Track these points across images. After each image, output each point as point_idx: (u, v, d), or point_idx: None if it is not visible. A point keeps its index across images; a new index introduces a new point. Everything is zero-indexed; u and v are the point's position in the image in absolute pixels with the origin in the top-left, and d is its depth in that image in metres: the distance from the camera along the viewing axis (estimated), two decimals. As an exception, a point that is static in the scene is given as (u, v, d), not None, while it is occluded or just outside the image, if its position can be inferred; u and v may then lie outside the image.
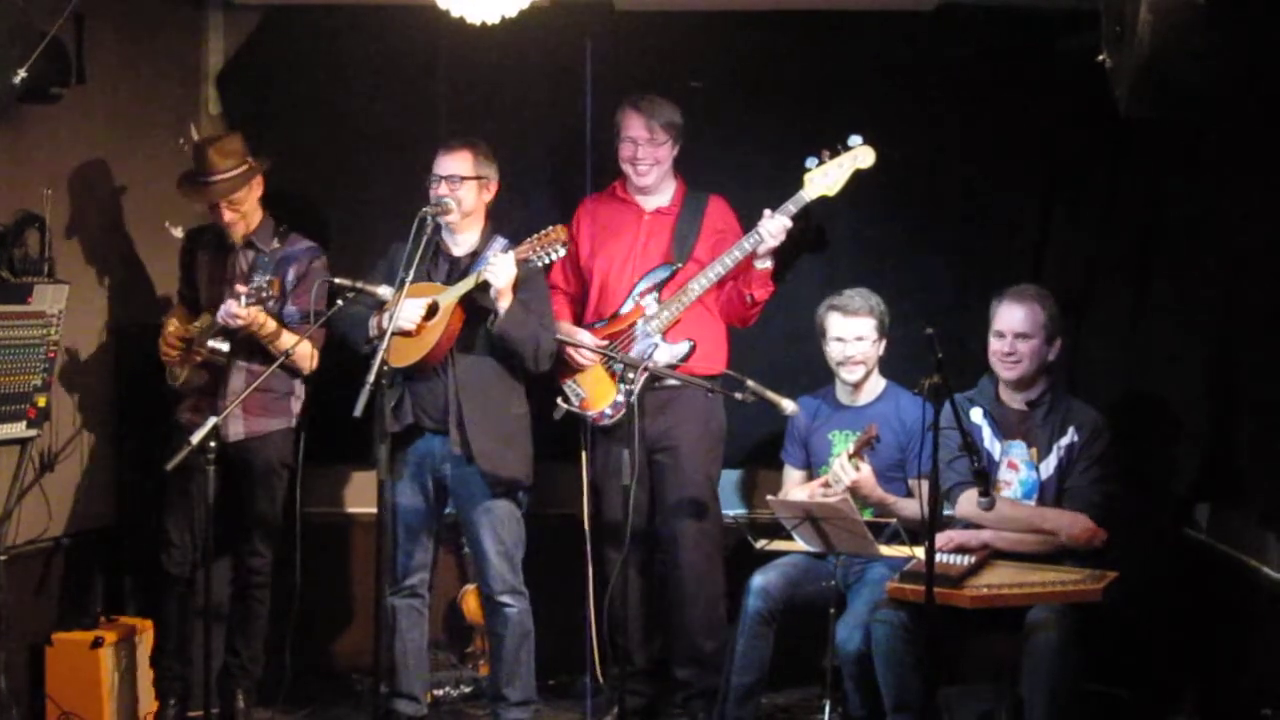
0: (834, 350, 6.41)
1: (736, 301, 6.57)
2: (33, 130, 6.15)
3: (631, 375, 5.94)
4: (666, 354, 6.41)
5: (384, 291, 6.08)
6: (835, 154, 6.37)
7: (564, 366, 6.53)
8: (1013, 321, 6.02)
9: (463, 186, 6.25)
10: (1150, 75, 4.92)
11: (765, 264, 6.45)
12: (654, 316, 6.47)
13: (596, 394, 6.40)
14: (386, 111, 7.14)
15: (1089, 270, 6.77)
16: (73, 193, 6.40)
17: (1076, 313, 6.57)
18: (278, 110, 7.15)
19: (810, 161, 6.37)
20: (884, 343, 6.41)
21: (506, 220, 6.45)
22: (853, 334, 6.35)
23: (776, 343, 6.87)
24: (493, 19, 5.76)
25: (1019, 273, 6.58)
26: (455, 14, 5.74)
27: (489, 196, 6.36)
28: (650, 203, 6.67)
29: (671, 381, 6.36)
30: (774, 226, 6.35)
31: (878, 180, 6.44)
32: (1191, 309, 6.49)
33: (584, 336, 6.49)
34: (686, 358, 6.41)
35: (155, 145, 6.57)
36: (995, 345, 6.07)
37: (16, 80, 5.68)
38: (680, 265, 6.52)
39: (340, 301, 6.07)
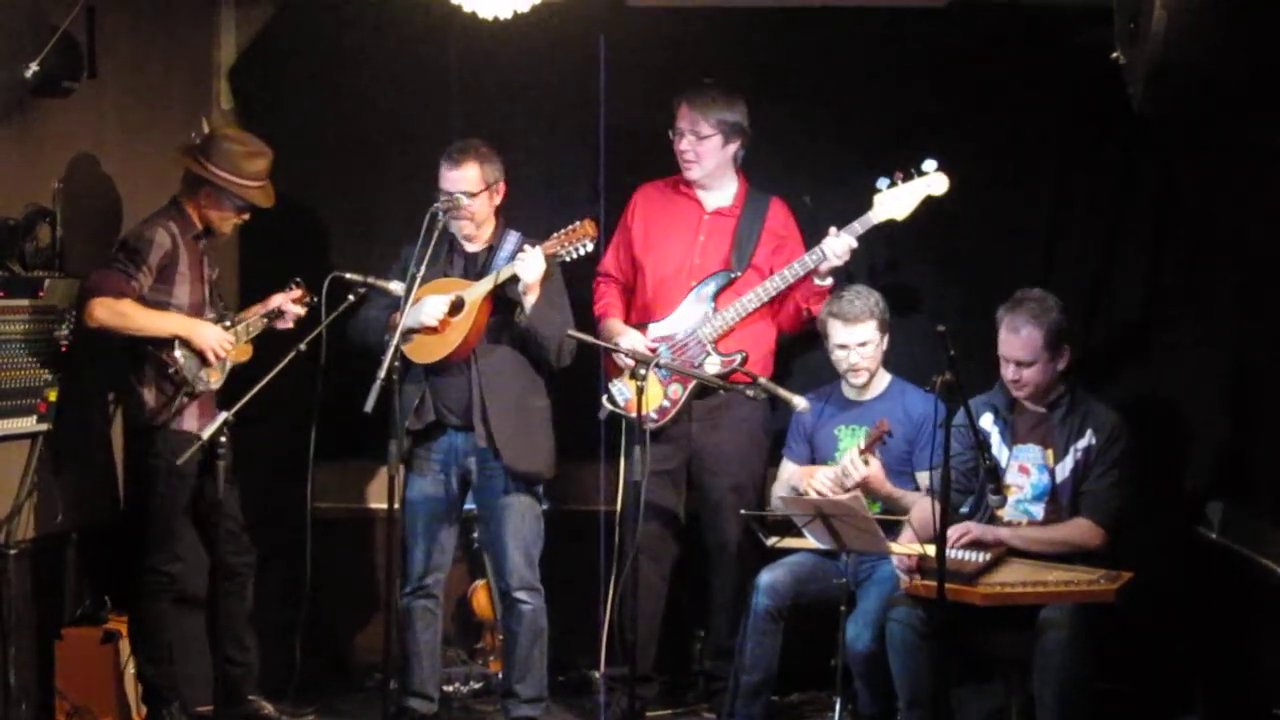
0: (839, 357, 6.38)
1: (792, 313, 6.56)
2: (44, 124, 6.15)
3: (643, 371, 5.92)
4: (718, 363, 6.40)
5: (395, 287, 6.09)
6: (908, 177, 6.32)
7: (612, 364, 6.54)
8: (1012, 350, 5.96)
9: (475, 201, 6.26)
10: (1164, 72, 4.91)
11: (826, 281, 6.43)
12: (707, 323, 6.45)
13: (642, 397, 6.36)
14: (398, 106, 7.14)
15: (1101, 267, 6.74)
16: (84, 187, 6.39)
17: (1088, 310, 6.55)
18: (289, 105, 7.14)
19: (882, 182, 6.33)
20: (886, 338, 6.39)
21: (519, 217, 6.45)
22: (855, 340, 6.32)
23: (786, 339, 6.83)
24: (505, 14, 5.75)
25: (1030, 271, 6.56)
26: (468, 9, 5.73)
27: (499, 199, 6.36)
28: (711, 201, 6.63)
29: (720, 388, 6.32)
30: (839, 247, 6.32)
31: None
32: (1204, 306, 6.49)
33: (633, 337, 6.47)
34: (738, 368, 6.39)
35: (167, 139, 6.56)
36: (1003, 369, 6.03)
37: (28, 74, 5.68)
38: (738, 273, 6.50)
39: (351, 297, 6.08)
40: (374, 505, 7.21)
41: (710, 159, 6.52)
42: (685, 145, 6.50)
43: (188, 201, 6.33)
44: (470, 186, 6.24)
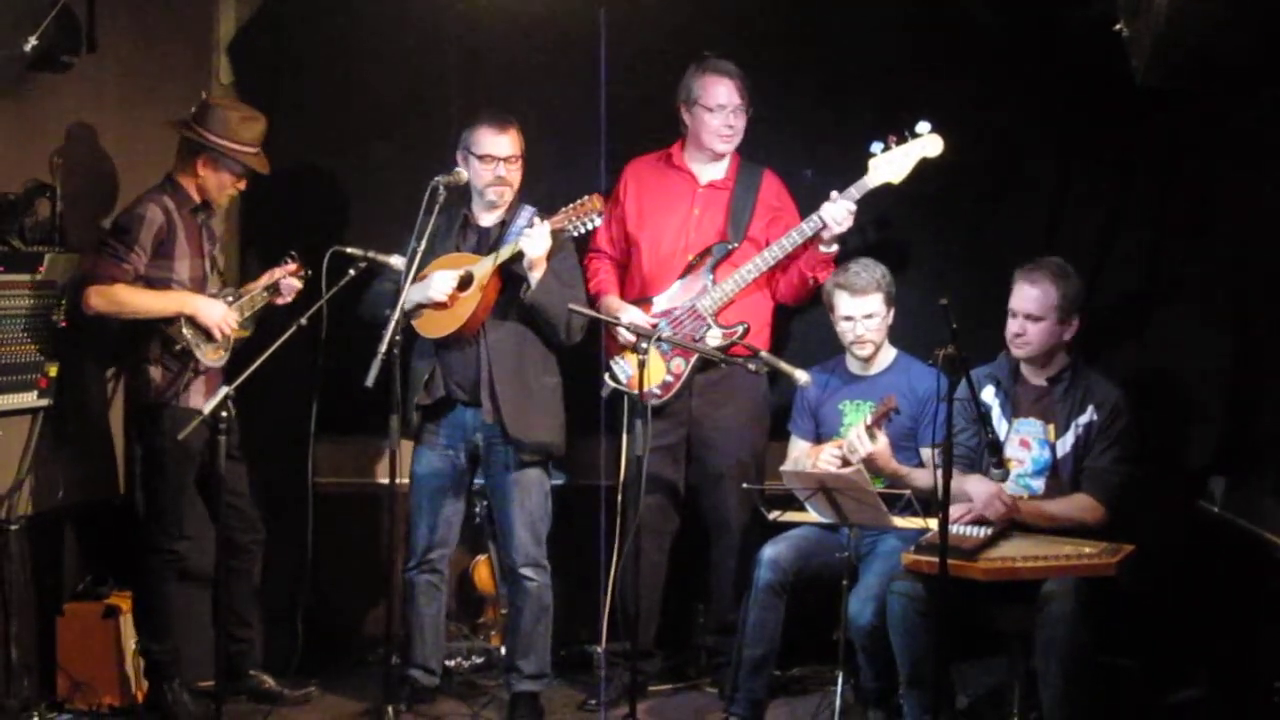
0: (844, 329, 6.36)
1: (797, 283, 6.54)
2: (43, 99, 6.13)
3: (645, 345, 5.91)
4: (719, 335, 6.38)
5: (396, 261, 6.09)
6: (902, 140, 6.30)
7: (612, 341, 6.53)
8: (1024, 302, 5.96)
9: (514, 167, 6.27)
10: (1167, 44, 4.90)
11: (830, 248, 6.41)
12: (706, 296, 6.44)
13: (644, 372, 6.30)
14: (398, 81, 7.11)
15: (1104, 242, 6.72)
16: (83, 162, 6.38)
17: (1090, 283, 6.53)
18: (289, 79, 7.12)
19: (875, 146, 6.32)
20: (892, 312, 6.37)
21: (520, 192, 6.42)
22: (862, 312, 6.30)
23: (784, 314, 6.82)
24: (504, -13, 5.75)
25: (1033, 245, 6.53)
26: (468, -18, 5.73)
27: None
28: (705, 174, 6.62)
29: (720, 361, 6.32)
30: (838, 213, 6.30)
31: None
32: (1207, 281, 6.47)
33: (632, 313, 6.46)
34: (739, 340, 6.38)
35: (167, 114, 6.52)
36: (1009, 324, 6.01)
37: (27, 48, 5.67)
38: (736, 245, 6.49)
39: (352, 271, 6.07)
40: (375, 480, 7.21)
41: (743, 130, 6.53)
42: (733, 120, 6.49)
43: (183, 175, 6.32)
44: (518, 151, 6.27)
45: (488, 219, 6.36)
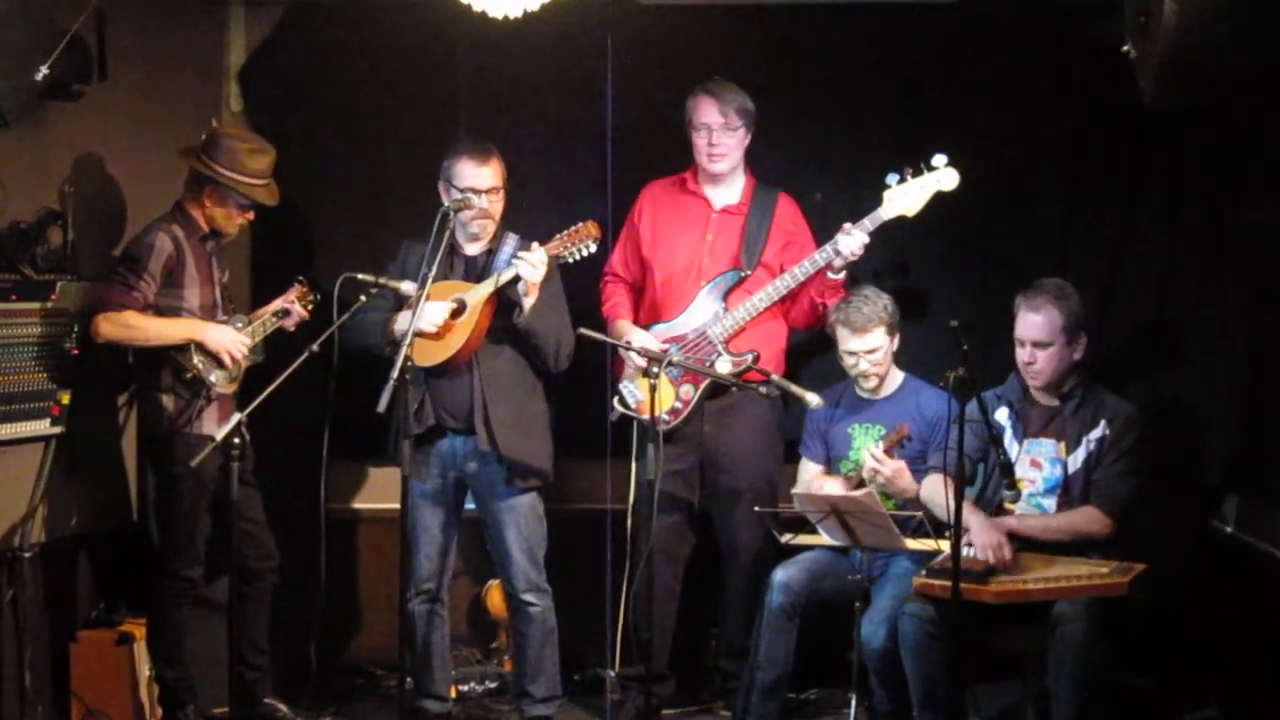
0: (848, 363, 6.36)
1: (808, 309, 6.54)
2: (55, 127, 6.14)
3: (655, 370, 5.89)
4: (728, 363, 6.38)
5: (407, 287, 6.04)
6: (918, 173, 6.29)
7: (621, 365, 6.54)
8: (1030, 329, 5.93)
9: (496, 198, 6.25)
10: (1175, 66, 4.90)
11: (839, 275, 6.41)
12: (717, 323, 6.44)
13: (654, 396, 6.21)
14: (407, 107, 7.13)
15: (1114, 262, 6.72)
16: (95, 190, 6.39)
17: (1102, 305, 6.54)
18: (299, 106, 7.14)
19: (891, 178, 6.31)
20: (897, 339, 6.36)
21: (527, 218, 6.44)
22: (864, 348, 6.28)
23: (796, 338, 6.81)
24: (514, 13, 5.74)
25: (1043, 265, 6.53)
26: (477, 8, 5.73)
27: None
28: (719, 198, 6.60)
29: (732, 388, 6.33)
30: (852, 245, 6.28)
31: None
32: (1220, 302, 6.46)
33: (643, 337, 6.45)
34: (749, 368, 6.37)
35: (177, 141, 6.54)
36: (1018, 352, 6.00)
37: (39, 77, 5.66)
38: (748, 272, 6.48)
39: (363, 297, 6.06)
40: (369, 505, 7.24)
41: (737, 151, 6.52)
42: (716, 139, 6.47)
43: (191, 203, 6.33)
44: (498, 183, 6.23)
45: (473, 248, 6.34)
